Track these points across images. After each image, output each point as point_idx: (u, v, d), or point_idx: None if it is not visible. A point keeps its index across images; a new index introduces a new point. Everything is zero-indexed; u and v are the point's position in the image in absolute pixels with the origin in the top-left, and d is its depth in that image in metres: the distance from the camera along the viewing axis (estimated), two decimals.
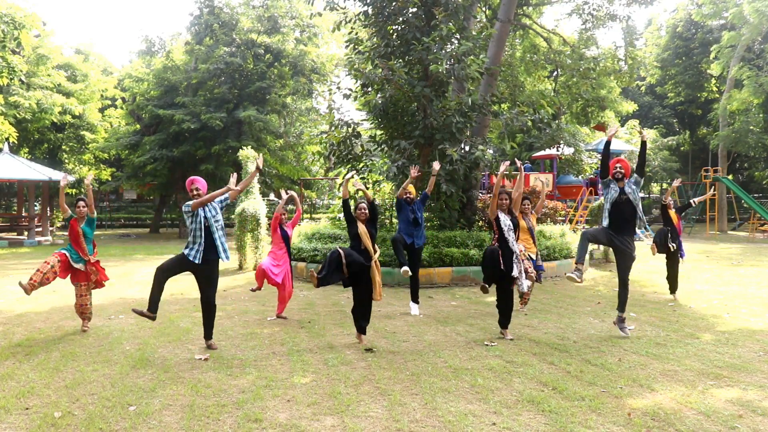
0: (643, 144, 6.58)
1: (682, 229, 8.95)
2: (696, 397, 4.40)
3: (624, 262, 6.41)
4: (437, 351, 5.80)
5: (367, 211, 6.26)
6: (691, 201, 9.79)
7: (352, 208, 6.27)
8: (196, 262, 5.67)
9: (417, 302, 7.90)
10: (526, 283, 6.48)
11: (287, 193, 7.96)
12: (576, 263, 6.36)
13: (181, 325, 7.09)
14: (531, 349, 5.87)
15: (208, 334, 5.99)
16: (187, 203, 5.76)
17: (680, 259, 8.85)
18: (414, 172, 7.65)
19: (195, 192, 5.79)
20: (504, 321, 6.43)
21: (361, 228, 6.13)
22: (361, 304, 6.14)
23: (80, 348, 5.98)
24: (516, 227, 6.40)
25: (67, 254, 6.65)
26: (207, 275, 5.83)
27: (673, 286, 8.84)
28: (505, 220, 6.32)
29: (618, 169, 6.37)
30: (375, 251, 6.10)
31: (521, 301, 7.98)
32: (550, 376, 4.93)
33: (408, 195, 7.93)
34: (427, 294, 9.40)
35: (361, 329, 6.18)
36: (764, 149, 28.02)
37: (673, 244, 8.56)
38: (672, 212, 8.85)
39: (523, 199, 8.15)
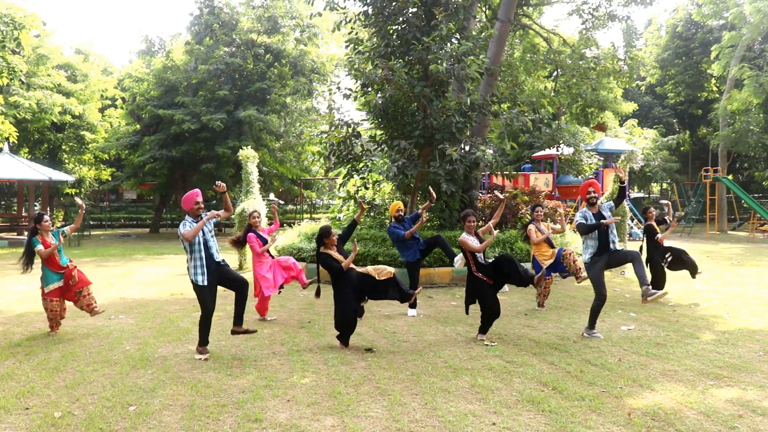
0: (621, 184, 6.72)
1: (673, 230, 9.00)
2: (696, 397, 4.40)
3: (623, 255, 6.42)
4: (437, 351, 5.80)
5: (335, 238, 6.16)
6: (667, 218, 9.61)
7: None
8: (206, 284, 5.56)
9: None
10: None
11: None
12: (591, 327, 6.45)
13: (181, 325, 7.09)
14: (531, 349, 5.87)
15: (238, 321, 5.95)
16: (183, 229, 5.49)
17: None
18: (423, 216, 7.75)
19: (198, 206, 5.62)
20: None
21: (338, 256, 6.03)
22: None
23: (80, 348, 5.98)
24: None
25: (55, 287, 6.61)
26: (224, 276, 5.76)
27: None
28: (474, 245, 6.24)
29: (591, 193, 6.43)
30: (347, 258, 6.06)
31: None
32: (550, 376, 4.93)
33: (399, 212, 7.92)
34: (427, 294, 9.41)
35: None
36: (764, 149, 28.02)
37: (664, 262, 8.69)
38: (659, 227, 8.90)
39: (535, 206, 8.23)
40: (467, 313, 6.52)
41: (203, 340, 5.72)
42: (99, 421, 4.00)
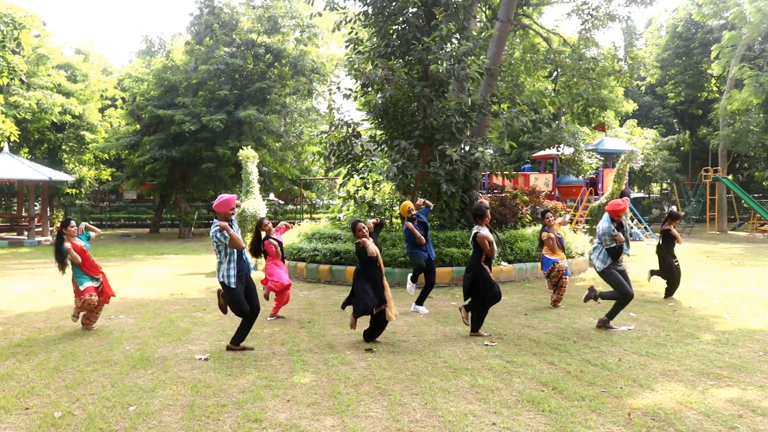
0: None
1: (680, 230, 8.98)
2: (696, 397, 4.40)
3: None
4: (437, 351, 5.80)
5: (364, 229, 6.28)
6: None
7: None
8: (235, 287, 5.65)
9: (421, 304, 7.93)
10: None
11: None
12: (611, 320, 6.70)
13: (181, 325, 7.09)
14: (531, 349, 5.87)
15: (235, 341, 5.98)
16: (220, 235, 5.49)
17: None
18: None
19: (233, 211, 5.61)
20: (477, 322, 6.49)
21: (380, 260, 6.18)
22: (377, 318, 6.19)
23: (80, 348, 5.98)
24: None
25: (90, 285, 6.69)
26: (248, 291, 5.82)
27: (670, 292, 8.87)
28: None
29: (621, 215, 6.73)
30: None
31: (555, 300, 8.20)
32: (550, 376, 4.93)
33: (411, 212, 7.89)
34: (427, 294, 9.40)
35: (368, 337, 6.25)
36: (764, 149, 28.00)
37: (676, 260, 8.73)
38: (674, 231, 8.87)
39: (545, 212, 8.32)
40: (465, 300, 6.56)
41: (239, 339, 5.84)
42: (99, 421, 4.00)
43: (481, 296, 6.33)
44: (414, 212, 7.92)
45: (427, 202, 8.25)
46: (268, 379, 4.91)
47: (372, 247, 6.05)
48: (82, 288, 6.62)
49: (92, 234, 7.03)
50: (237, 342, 5.91)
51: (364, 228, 6.20)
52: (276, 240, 7.75)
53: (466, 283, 6.42)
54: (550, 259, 8.14)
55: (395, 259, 10.26)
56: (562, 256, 8.22)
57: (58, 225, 6.85)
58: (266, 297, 7.63)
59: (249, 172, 13.16)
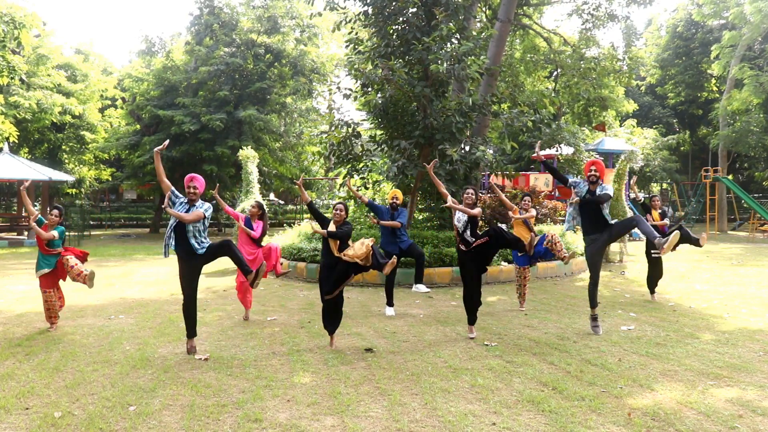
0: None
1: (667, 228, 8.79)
2: (696, 397, 4.40)
3: (637, 223, 6.22)
4: (437, 351, 5.80)
5: (344, 212, 6.10)
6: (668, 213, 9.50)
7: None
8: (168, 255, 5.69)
9: (422, 282, 7.72)
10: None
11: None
12: (593, 311, 6.53)
13: (181, 325, 7.06)
14: (531, 349, 5.87)
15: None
16: (172, 198, 5.68)
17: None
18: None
19: (192, 190, 5.69)
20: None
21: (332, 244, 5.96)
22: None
23: (80, 348, 5.98)
24: (474, 225, 6.36)
25: (43, 273, 6.71)
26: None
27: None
28: (459, 216, 6.36)
29: (593, 171, 6.43)
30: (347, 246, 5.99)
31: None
32: (550, 376, 4.93)
33: (395, 201, 7.83)
34: (427, 294, 9.40)
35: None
36: (764, 149, 28.00)
37: (656, 252, 8.54)
38: (656, 213, 8.72)
39: (524, 196, 8.19)
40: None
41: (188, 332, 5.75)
42: (99, 421, 4.00)
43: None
44: (397, 201, 7.80)
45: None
46: (268, 379, 4.91)
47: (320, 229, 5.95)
48: (38, 275, 6.77)
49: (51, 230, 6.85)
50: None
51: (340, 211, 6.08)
52: (250, 226, 7.43)
53: None
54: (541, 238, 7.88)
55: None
56: (532, 235, 7.86)
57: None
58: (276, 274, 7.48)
59: (249, 172, 13.18)
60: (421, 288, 7.73)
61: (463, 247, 6.34)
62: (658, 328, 6.74)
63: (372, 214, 8.08)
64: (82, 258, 7.05)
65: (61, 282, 6.96)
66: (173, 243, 5.68)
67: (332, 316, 6.08)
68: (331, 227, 5.99)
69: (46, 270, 6.74)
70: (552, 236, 7.78)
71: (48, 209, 7.13)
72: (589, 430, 3.81)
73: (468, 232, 6.30)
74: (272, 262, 7.41)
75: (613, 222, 6.42)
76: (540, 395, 4.44)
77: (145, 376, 5.00)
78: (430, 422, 3.97)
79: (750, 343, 6.02)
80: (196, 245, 5.62)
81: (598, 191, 6.33)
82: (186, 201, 5.72)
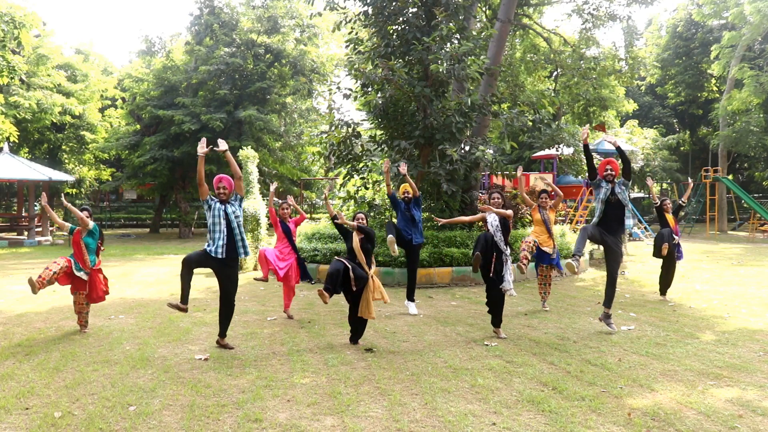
0: (618, 149, 6.60)
1: (680, 231, 8.86)
2: (696, 397, 4.40)
3: (613, 260, 6.53)
4: (437, 351, 5.80)
5: (364, 221, 6.25)
6: (680, 202, 9.58)
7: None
8: (220, 257, 5.68)
9: (413, 300, 7.89)
10: (511, 288, 6.38)
11: (273, 185, 8.02)
12: (574, 254, 6.39)
13: (181, 325, 7.09)
14: (531, 349, 5.87)
15: (222, 332, 5.99)
16: (209, 202, 5.74)
17: (677, 260, 8.80)
18: (402, 168, 7.64)
19: (222, 191, 5.75)
20: (496, 320, 6.45)
21: (356, 242, 6.07)
22: (354, 316, 6.14)
23: (80, 348, 5.98)
24: (506, 229, 6.39)
25: (72, 261, 6.65)
26: (227, 273, 5.82)
27: (663, 288, 8.76)
28: (492, 221, 6.35)
29: (609, 170, 6.57)
30: (370, 267, 6.08)
31: (543, 301, 8.07)
32: (550, 376, 4.93)
33: (406, 194, 7.91)
34: (427, 294, 9.40)
35: (353, 340, 6.17)
36: (764, 149, 28.00)
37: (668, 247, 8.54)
38: (669, 215, 8.78)
39: (541, 192, 8.23)
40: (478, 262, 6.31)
41: (182, 294, 5.80)
42: (99, 421, 3.99)
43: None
44: (408, 194, 7.87)
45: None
46: (268, 379, 4.91)
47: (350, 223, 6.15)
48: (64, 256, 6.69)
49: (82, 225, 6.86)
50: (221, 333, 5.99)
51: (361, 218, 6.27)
52: (287, 226, 7.63)
53: None
54: (542, 252, 7.93)
55: (395, 259, 10.26)
56: (550, 243, 7.94)
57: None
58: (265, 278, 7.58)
59: (249, 172, 13.15)
60: (412, 308, 7.73)
61: (487, 270, 6.29)
62: (658, 328, 6.74)
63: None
64: (101, 291, 6.88)
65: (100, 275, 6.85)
66: (219, 248, 5.69)
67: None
68: (355, 239, 6.08)
69: (81, 273, 6.65)
70: (528, 243, 7.81)
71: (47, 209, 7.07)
72: (589, 430, 3.81)
73: (499, 235, 6.30)
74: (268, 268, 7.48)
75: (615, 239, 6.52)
76: (540, 395, 4.44)
77: (145, 376, 5.00)
78: (430, 422, 3.97)
79: (750, 343, 6.02)
80: (242, 250, 5.81)
81: (617, 190, 6.47)
82: (219, 202, 5.77)
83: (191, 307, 8.23)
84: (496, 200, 6.49)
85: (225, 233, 5.69)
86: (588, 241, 6.56)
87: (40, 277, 6.32)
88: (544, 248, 7.91)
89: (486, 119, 12.72)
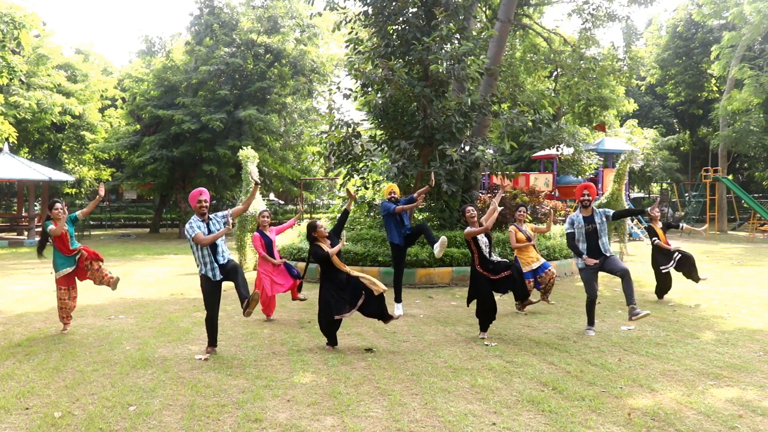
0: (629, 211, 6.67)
1: (681, 227, 8.89)
2: (696, 397, 4.40)
3: (615, 266, 6.43)
4: (437, 351, 5.80)
5: (324, 230, 6.13)
6: (681, 225, 9.57)
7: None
8: (218, 279, 5.64)
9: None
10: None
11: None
12: (589, 325, 6.55)
13: (181, 325, 7.09)
14: (531, 349, 5.87)
15: (247, 294, 5.75)
16: (190, 230, 5.52)
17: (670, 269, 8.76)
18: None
19: (203, 204, 5.65)
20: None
21: (332, 251, 5.94)
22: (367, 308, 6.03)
23: (80, 348, 5.98)
24: (490, 239, 6.47)
25: (65, 273, 6.65)
26: (231, 278, 5.74)
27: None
28: (481, 238, 6.38)
29: (586, 195, 6.55)
30: (338, 250, 6.02)
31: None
32: (550, 376, 4.93)
33: (393, 195, 7.83)
34: (427, 294, 9.41)
35: (385, 319, 6.09)
36: (764, 149, 28.00)
37: (665, 267, 8.55)
38: (658, 228, 8.80)
39: (519, 206, 8.20)
40: (468, 305, 6.62)
41: (210, 341, 5.78)
42: (99, 421, 3.99)
43: (478, 301, 6.35)
44: (395, 195, 7.85)
45: (431, 180, 7.89)
46: (268, 379, 4.91)
47: (326, 248, 5.94)
48: (57, 276, 6.67)
49: (79, 214, 6.82)
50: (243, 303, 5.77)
51: (322, 228, 6.10)
52: (267, 236, 7.43)
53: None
54: (537, 269, 7.89)
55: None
56: (539, 258, 7.93)
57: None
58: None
59: (249, 172, 13.15)
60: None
61: (486, 273, 6.30)
62: (658, 328, 6.74)
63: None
64: (92, 251, 6.91)
65: (77, 281, 6.86)
66: (215, 270, 5.65)
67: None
68: (332, 250, 5.97)
69: (69, 270, 6.65)
70: (551, 272, 7.82)
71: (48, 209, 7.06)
72: (589, 430, 3.81)
73: (488, 250, 6.37)
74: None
75: (609, 255, 6.45)
76: (540, 395, 4.44)
77: (145, 376, 5.00)
78: (430, 422, 3.97)
79: (750, 343, 6.02)
80: (222, 260, 5.72)
81: (595, 217, 6.47)
82: (199, 218, 5.67)
83: (191, 307, 8.27)
84: (471, 215, 6.51)
85: (212, 256, 5.60)
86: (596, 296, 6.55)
87: (64, 321, 6.73)
88: (527, 268, 7.83)
89: (486, 119, 12.72)
